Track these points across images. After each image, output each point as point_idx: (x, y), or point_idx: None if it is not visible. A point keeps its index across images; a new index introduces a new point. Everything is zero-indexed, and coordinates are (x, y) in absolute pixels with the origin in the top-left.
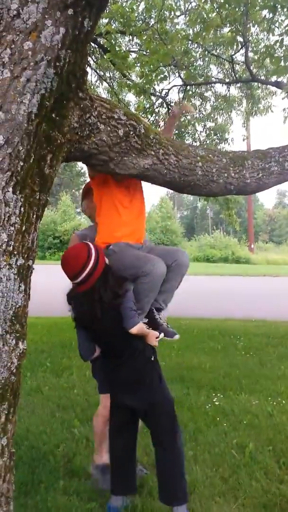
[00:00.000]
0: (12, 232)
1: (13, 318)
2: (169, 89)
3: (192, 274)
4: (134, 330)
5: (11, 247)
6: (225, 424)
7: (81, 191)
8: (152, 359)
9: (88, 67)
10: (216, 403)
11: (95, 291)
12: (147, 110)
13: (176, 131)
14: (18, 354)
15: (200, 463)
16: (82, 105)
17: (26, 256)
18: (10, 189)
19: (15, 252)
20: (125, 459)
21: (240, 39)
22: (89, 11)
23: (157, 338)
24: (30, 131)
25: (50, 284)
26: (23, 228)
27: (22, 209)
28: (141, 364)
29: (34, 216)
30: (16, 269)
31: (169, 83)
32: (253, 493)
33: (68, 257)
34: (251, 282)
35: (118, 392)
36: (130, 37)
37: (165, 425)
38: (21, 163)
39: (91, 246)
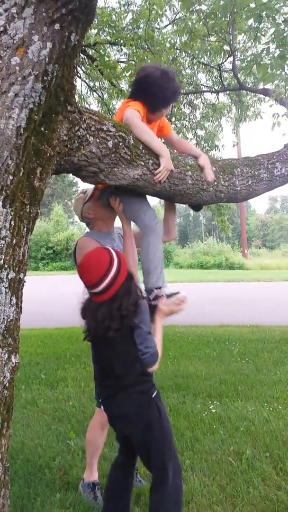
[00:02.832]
0: (2, 245)
1: (5, 332)
2: None
3: (187, 281)
4: (155, 367)
5: (2, 260)
6: (221, 432)
7: (79, 194)
8: (153, 395)
9: (78, 78)
10: (213, 410)
11: (115, 302)
12: None
13: None
14: (11, 368)
15: (197, 472)
16: (70, 118)
17: (17, 269)
18: (0, 203)
19: (6, 266)
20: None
21: (227, 47)
22: (75, 26)
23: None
24: (19, 145)
25: (43, 295)
26: (14, 241)
27: (12, 222)
28: (138, 397)
29: (25, 229)
30: (7, 283)
31: None
32: (251, 500)
33: (87, 264)
34: (245, 288)
35: (114, 422)
36: (118, 47)
37: (157, 464)
38: (11, 177)
39: (112, 251)
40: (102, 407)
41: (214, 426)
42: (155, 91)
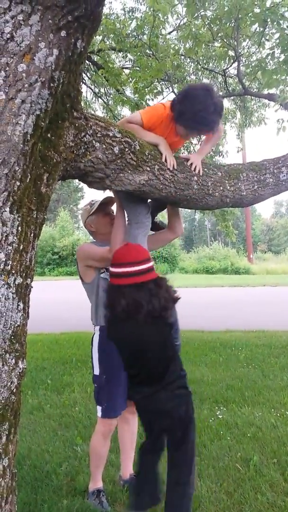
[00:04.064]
0: (10, 251)
1: (12, 337)
2: None
3: (192, 286)
4: None
5: (9, 266)
6: (229, 438)
7: (86, 205)
8: (190, 389)
9: (83, 84)
10: (220, 416)
11: (156, 288)
12: None
13: None
14: (18, 373)
15: (205, 478)
16: (77, 124)
17: (24, 275)
18: (7, 209)
19: (13, 271)
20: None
21: (231, 53)
22: (81, 33)
23: None
24: (26, 152)
25: (50, 300)
26: (21, 247)
27: (19, 228)
28: (179, 392)
29: (32, 235)
30: (14, 288)
31: (163, 98)
32: (258, 507)
33: (131, 247)
34: (251, 293)
35: (155, 418)
36: (123, 53)
37: (188, 458)
38: (18, 183)
39: None
40: (103, 416)
41: (221, 432)
42: (182, 97)
